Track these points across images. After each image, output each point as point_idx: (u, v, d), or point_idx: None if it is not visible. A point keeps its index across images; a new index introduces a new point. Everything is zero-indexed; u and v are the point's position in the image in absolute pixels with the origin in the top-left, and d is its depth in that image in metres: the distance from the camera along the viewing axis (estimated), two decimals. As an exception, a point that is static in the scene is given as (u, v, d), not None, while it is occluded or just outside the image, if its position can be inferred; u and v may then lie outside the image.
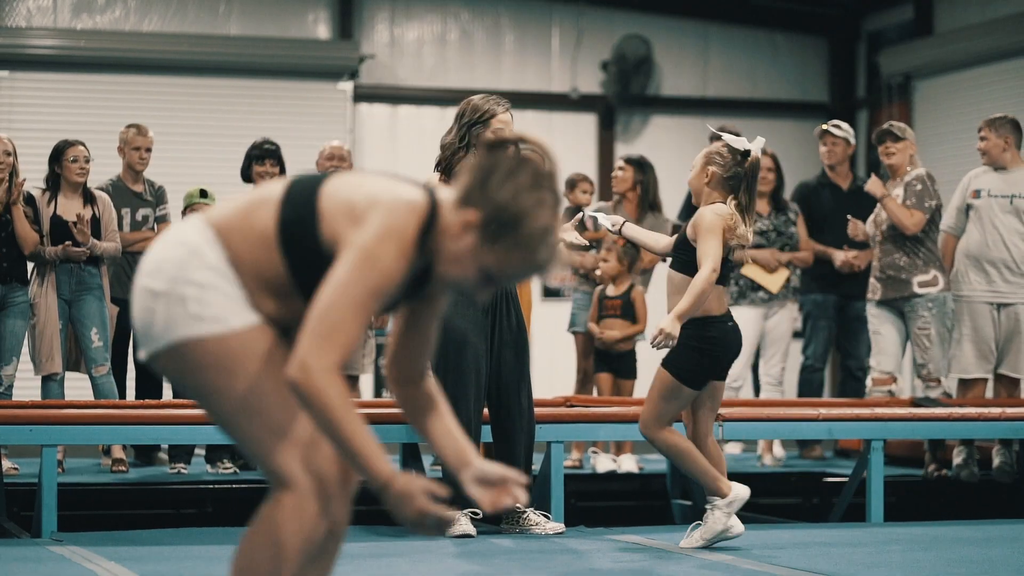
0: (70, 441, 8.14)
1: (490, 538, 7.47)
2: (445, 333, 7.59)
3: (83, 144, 9.77)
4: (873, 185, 10.22)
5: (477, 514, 7.60)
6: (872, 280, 10.41)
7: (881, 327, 10.35)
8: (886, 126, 10.47)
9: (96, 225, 9.65)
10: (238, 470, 9.98)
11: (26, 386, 10.27)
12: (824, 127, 11.55)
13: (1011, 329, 10.21)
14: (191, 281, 3.84)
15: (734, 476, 10.78)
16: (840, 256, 11.26)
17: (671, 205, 12.58)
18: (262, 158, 10.47)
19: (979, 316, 10.23)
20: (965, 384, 10.31)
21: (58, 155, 9.74)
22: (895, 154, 10.35)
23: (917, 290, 10.25)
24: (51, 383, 9.58)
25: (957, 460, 10.34)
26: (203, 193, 10.11)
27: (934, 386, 10.30)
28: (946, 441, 10.33)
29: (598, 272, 10.69)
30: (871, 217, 10.41)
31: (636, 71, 16.97)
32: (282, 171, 10.54)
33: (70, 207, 9.64)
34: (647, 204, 11.13)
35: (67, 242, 9.53)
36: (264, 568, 3.97)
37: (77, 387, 10.23)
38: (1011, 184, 10.22)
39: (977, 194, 10.26)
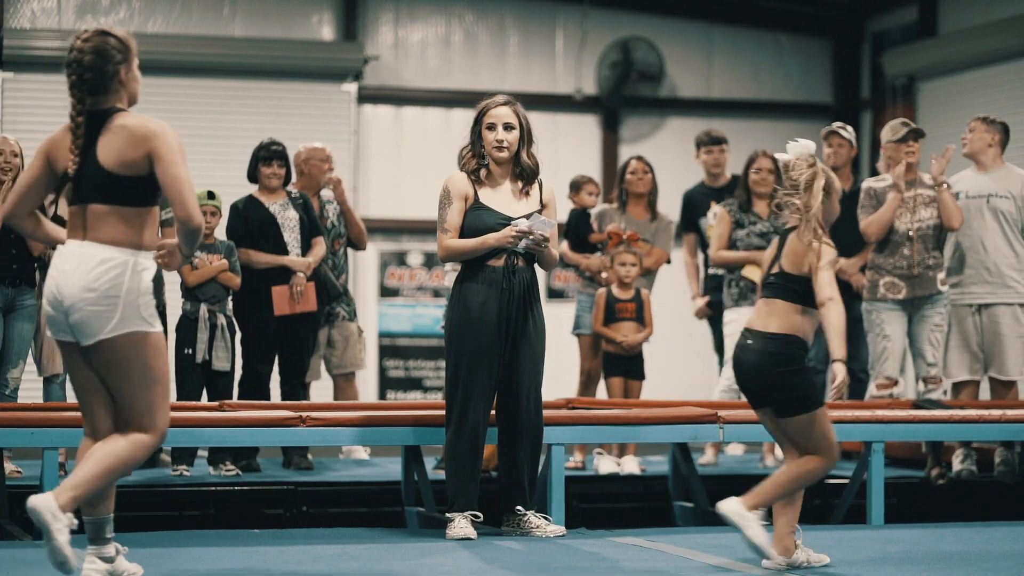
0: (72, 444, 8.13)
1: (491, 540, 7.48)
2: (461, 338, 7.64)
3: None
4: (937, 169, 10.15)
5: (478, 517, 7.60)
6: (891, 279, 10.34)
7: (893, 331, 10.31)
8: (903, 123, 10.37)
9: None
10: (240, 472, 9.99)
11: (29, 387, 10.28)
12: (832, 128, 11.54)
13: (992, 332, 10.20)
14: None
15: (736, 479, 10.81)
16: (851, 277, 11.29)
17: (675, 205, 12.59)
18: (269, 159, 10.48)
19: (961, 319, 10.23)
20: (956, 387, 10.33)
21: None
22: (915, 152, 10.32)
23: (940, 287, 10.27)
24: (53, 384, 9.62)
25: (957, 461, 10.35)
26: (210, 195, 10.12)
27: (935, 387, 10.31)
28: (944, 443, 10.33)
29: (604, 275, 10.69)
30: (889, 212, 10.26)
31: (639, 72, 16.98)
32: (288, 172, 10.56)
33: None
34: (655, 207, 11.16)
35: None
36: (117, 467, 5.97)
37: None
38: (989, 184, 10.21)
39: (956, 196, 10.24)
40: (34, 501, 5.90)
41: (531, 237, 7.58)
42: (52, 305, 5.89)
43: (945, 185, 10.21)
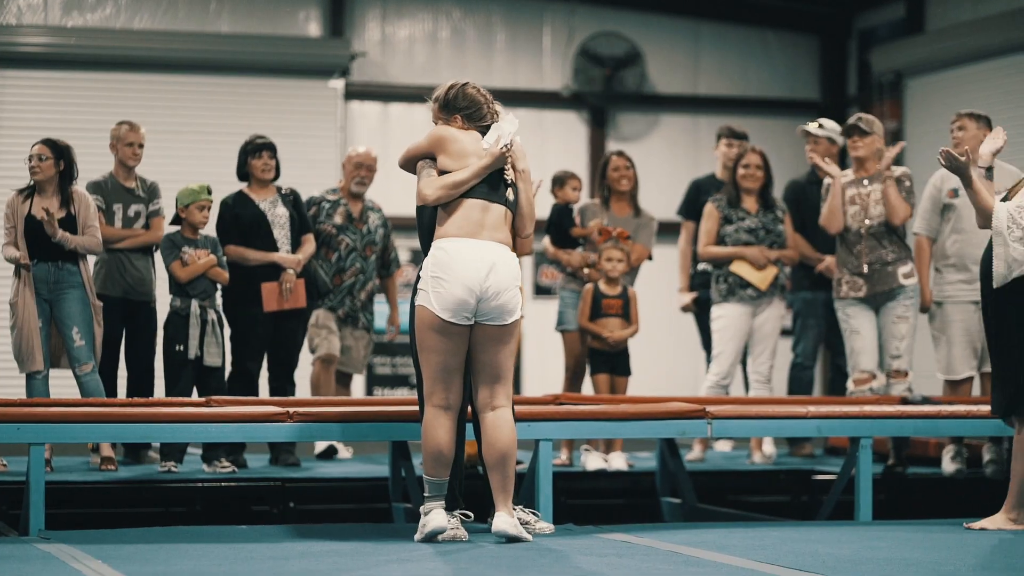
0: (57, 439, 8.11)
1: (479, 536, 7.46)
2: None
3: (44, 142, 9.70)
4: (884, 162, 10.22)
5: (468, 516, 7.58)
6: (851, 278, 10.37)
7: (861, 326, 10.34)
8: (853, 120, 10.47)
9: (72, 223, 9.61)
10: (236, 469, 9.94)
11: (13, 383, 10.25)
12: (804, 128, 11.54)
13: None
14: None
15: (725, 474, 10.82)
16: (822, 263, 11.30)
17: (663, 201, 12.57)
18: (259, 150, 10.47)
19: (966, 316, 10.22)
20: (953, 384, 10.31)
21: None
22: (861, 148, 10.39)
23: (903, 281, 10.28)
24: (34, 380, 9.56)
25: (947, 459, 10.34)
26: (208, 190, 10.09)
27: (899, 382, 10.30)
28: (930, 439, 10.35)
29: (586, 271, 10.68)
30: (835, 200, 10.34)
31: (612, 68, 16.99)
32: (277, 164, 10.54)
33: (44, 206, 9.62)
34: (638, 203, 11.14)
35: (17, 254, 9.51)
36: None
37: (66, 385, 10.21)
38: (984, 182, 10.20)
39: (955, 193, 10.23)
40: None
41: (510, 143, 7.38)
42: None
43: (893, 179, 10.21)
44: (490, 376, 7.27)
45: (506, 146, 7.31)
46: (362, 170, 11.18)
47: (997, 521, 7.95)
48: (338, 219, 11.04)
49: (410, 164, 7.60)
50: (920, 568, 6.54)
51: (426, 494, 7.31)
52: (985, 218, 7.94)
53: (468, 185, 7.31)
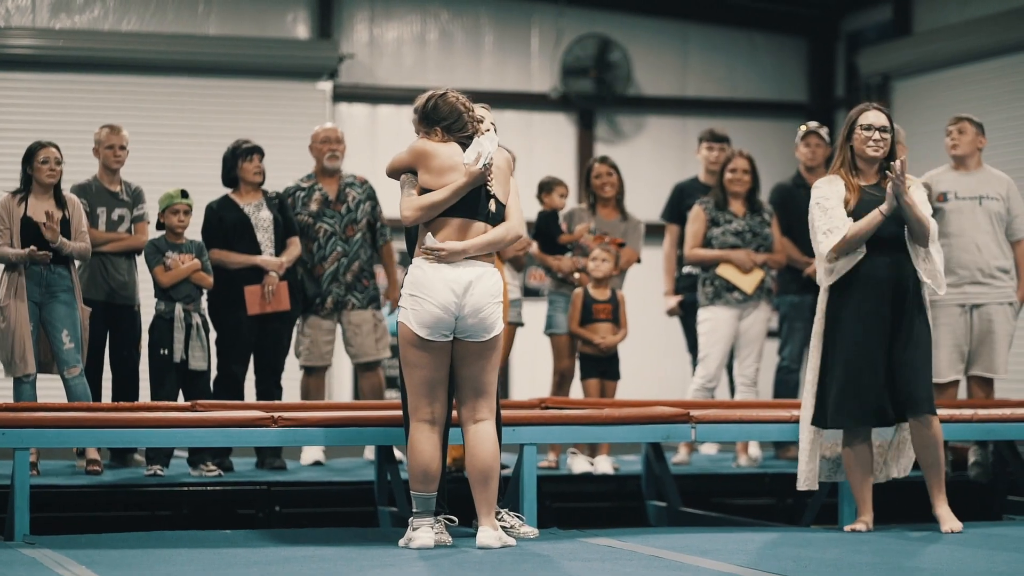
0: (42, 444, 8.10)
1: (463, 540, 7.47)
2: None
3: (55, 146, 9.73)
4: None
5: (453, 520, 7.59)
6: None
7: None
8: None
9: (66, 227, 9.62)
10: (222, 472, 9.94)
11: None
12: (811, 128, 11.53)
13: (984, 330, 10.21)
14: None
15: (710, 477, 10.81)
16: (810, 266, 11.31)
17: (651, 203, 12.54)
18: (249, 154, 10.45)
19: (952, 320, 10.23)
20: (939, 388, 10.31)
21: (29, 157, 9.71)
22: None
23: None
24: (23, 385, 9.55)
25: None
26: (184, 193, 10.09)
27: None
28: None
29: (576, 276, 10.68)
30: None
31: (609, 70, 17.01)
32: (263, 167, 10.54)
33: (41, 208, 9.61)
34: (624, 208, 11.14)
35: (32, 247, 9.50)
36: None
37: (51, 388, 10.20)
38: (978, 185, 10.21)
39: (944, 197, 10.24)
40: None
41: (487, 160, 7.32)
42: None
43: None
44: (472, 390, 7.28)
45: (486, 165, 7.28)
46: (331, 143, 11.09)
47: (945, 515, 8.17)
48: (313, 206, 10.93)
49: (396, 174, 7.59)
50: (903, 572, 6.55)
51: (414, 509, 7.32)
52: (930, 229, 8.10)
53: (446, 205, 7.28)
